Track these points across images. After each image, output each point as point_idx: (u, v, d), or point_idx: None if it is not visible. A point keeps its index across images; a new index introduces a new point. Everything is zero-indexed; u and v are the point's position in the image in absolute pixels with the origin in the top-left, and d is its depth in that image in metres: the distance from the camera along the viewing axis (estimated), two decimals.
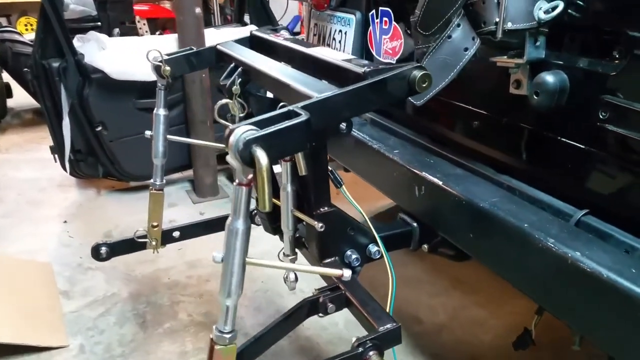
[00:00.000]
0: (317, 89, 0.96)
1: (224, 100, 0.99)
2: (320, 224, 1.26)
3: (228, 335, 0.96)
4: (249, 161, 0.82)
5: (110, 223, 2.75)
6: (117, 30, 3.19)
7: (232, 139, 0.82)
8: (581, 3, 1.12)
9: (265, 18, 3.08)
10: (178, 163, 3.06)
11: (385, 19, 1.79)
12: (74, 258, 2.43)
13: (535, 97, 1.19)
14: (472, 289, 2.13)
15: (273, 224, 1.51)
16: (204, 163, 2.96)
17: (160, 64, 1.42)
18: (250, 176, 0.87)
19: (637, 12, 1.03)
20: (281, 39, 1.34)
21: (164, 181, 1.61)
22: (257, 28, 3.05)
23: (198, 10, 2.64)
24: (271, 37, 1.38)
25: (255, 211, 1.79)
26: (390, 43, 1.79)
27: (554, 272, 1.05)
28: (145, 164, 2.92)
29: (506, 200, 1.24)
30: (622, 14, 1.07)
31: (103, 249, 1.58)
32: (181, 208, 2.95)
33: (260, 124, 0.84)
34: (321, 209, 1.31)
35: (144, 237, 1.62)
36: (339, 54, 1.17)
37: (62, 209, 2.93)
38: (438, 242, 1.53)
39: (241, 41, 1.49)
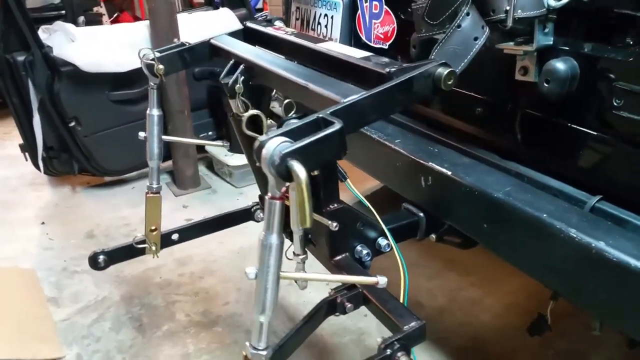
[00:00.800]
0: (340, 92, 0.92)
1: (253, 111, 0.93)
2: (335, 223, 1.24)
3: (264, 352, 0.93)
4: (286, 175, 0.78)
5: (90, 222, 2.66)
6: (82, 18, 3.02)
7: (265, 152, 0.78)
8: None
9: (238, 0, 2.97)
10: None
11: (375, 2, 1.75)
12: (58, 262, 2.34)
13: (546, 85, 1.19)
14: (466, 270, 2.15)
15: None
16: (183, 154, 2.87)
17: (153, 62, 1.34)
18: (284, 189, 0.83)
19: None
20: (284, 32, 1.28)
21: (161, 184, 1.54)
22: (230, 11, 2.96)
23: None
24: (271, 30, 1.32)
25: (254, 208, 1.75)
26: (381, 28, 1.75)
27: (577, 261, 1.06)
28: (122, 157, 2.85)
29: (520, 189, 1.23)
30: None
31: (101, 258, 1.52)
32: (163, 202, 2.85)
33: (291, 135, 0.80)
34: (331, 206, 1.28)
35: (143, 242, 1.55)
36: (352, 50, 1.12)
37: (38, 210, 2.81)
38: (444, 230, 1.53)
39: (235, 34, 1.42)
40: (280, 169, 0.77)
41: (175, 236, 1.61)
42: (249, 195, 2.91)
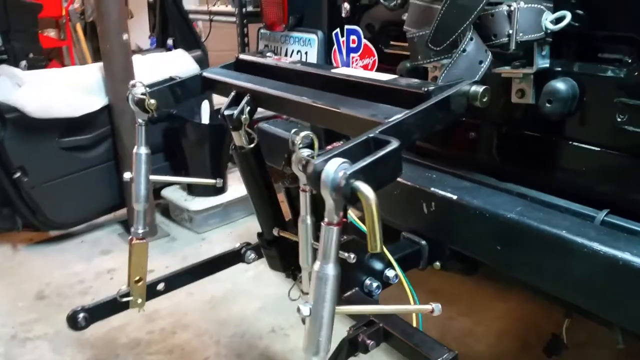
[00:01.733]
0: (377, 113, 0.89)
1: (305, 132, 0.86)
2: (352, 255, 1.18)
3: None
4: (351, 197, 0.72)
5: (39, 281, 2.41)
6: (24, 62, 2.83)
7: (325, 174, 0.73)
8: (582, 12, 1.17)
9: (192, 41, 2.92)
10: (108, 204, 2.78)
11: (353, 37, 1.76)
12: (5, 329, 2.09)
13: (548, 105, 1.22)
14: (451, 299, 2.14)
15: (283, 260, 1.40)
16: None
17: (144, 97, 1.26)
18: (341, 214, 0.78)
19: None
20: (287, 62, 1.25)
21: (147, 228, 1.42)
22: (185, 51, 2.90)
23: (125, 36, 2.42)
24: (271, 60, 1.28)
25: (244, 249, 1.65)
26: (361, 61, 1.75)
27: (603, 274, 1.06)
28: (72, 209, 2.64)
29: (530, 208, 1.24)
30: (627, 21, 1.13)
31: (81, 316, 1.35)
32: (118, 254, 2.66)
33: (347, 155, 0.75)
34: (343, 237, 1.23)
35: (127, 295, 1.41)
36: (371, 73, 1.10)
37: None
38: (447, 257, 1.51)
39: (227, 67, 1.36)
40: (346, 190, 0.72)
41: (161, 286, 1.48)
42: (213, 240, 2.79)
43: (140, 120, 1.33)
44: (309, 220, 1.15)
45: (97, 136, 2.59)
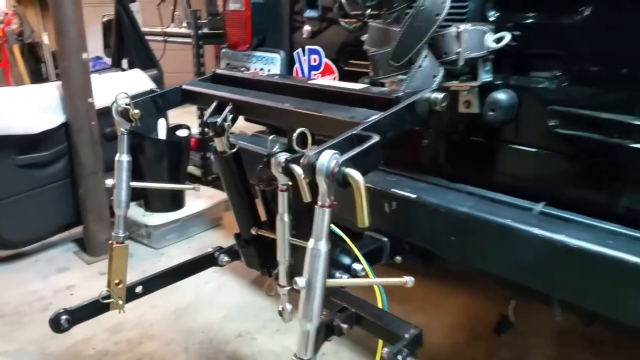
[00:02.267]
0: (355, 115, 1.03)
1: (301, 129, 0.96)
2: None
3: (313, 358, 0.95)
4: (342, 181, 0.86)
5: None
6: None
7: (320, 163, 0.86)
8: (519, 33, 1.38)
9: (148, 61, 2.98)
10: (63, 221, 2.76)
11: (314, 56, 1.91)
12: None
13: (491, 114, 1.41)
14: (405, 299, 2.27)
15: (260, 258, 1.50)
16: (96, 217, 2.72)
17: (128, 107, 1.34)
18: (332, 198, 0.90)
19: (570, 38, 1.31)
20: (265, 74, 1.37)
21: (127, 233, 1.48)
22: (141, 71, 2.96)
23: (85, 55, 2.47)
24: (248, 74, 1.41)
25: (217, 252, 1.73)
26: (322, 78, 1.91)
27: (544, 254, 1.24)
28: (28, 226, 2.62)
29: (479, 203, 1.42)
30: (556, 41, 1.34)
31: (64, 318, 1.39)
32: (75, 271, 2.65)
33: (336, 149, 0.89)
34: None
35: (109, 297, 1.46)
36: (344, 83, 1.24)
37: None
38: (406, 252, 1.66)
39: (205, 80, 1.47)
40: (338, 176, 0.85)
41: (139, 289, 1.54)
42: (171, 255, 2.82)
43: (122, 130, 1.40)
44: (286, 218, 1.26)
45: (53, 154, 2.59)
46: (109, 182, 1.45)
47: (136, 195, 3.01)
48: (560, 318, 1.35)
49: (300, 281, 0.92)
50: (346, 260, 1.50)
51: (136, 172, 2.90)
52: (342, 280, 1.18)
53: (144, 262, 2.73)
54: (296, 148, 0.98)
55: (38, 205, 2.59)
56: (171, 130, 3.08)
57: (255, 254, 1.48)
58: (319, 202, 0.90)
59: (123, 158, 1.42)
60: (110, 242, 1.48)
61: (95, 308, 1.45)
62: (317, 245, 0.91)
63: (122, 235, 1.47)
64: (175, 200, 2.92)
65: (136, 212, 2.88)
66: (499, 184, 1.49)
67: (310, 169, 0.87)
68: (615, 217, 1.28)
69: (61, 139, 2.60)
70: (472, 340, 2.05)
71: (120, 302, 1.48)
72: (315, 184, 0.91)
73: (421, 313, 2.19)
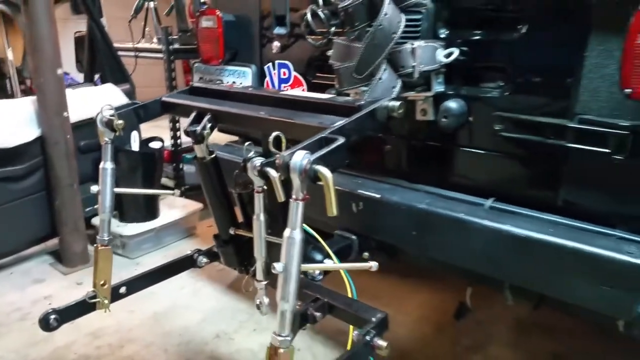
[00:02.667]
0: (323, 121, 1.17)
1: (276, 133, 1.07)
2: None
3: (289, 338, 1.08)
4: (314, 177, 0.99)
5: None
6: None
7: (293, 162, 0.99)
8: (467, 49, 1.55)
9: (121, 75, 3.07)
10: (38, 234, 2.81)
11: (284, 70, 2.05)
12: None
13: (444, 120, 1.57)
14: (373, 295, 2.39)
15: (238, 256, 1.62)
16: (72, 229, 2.77)
17: (112, 118, 1.45)
18: (305, 192, 1.04)
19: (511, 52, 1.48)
20: (240, 86, 1.50)
21: (112, 236, 1.58)
22: (114, 86, 3.04)
23: (60, 71, 2.55)
24: (224, 86, 1.53)
25: (196, 254, 1.84)
26: (292, 90, 2.05)
27: (493, 242, 1.41)
28: (5, 238, 2.66)
29: (435, 200, 1.57)
30: (499, 55, 1.52)
31: (52, 318, 1.47)
32: (52, 282, 2.70)
33: (308, 149, 1.02)
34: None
35: (95, 297, 1.55)
36: (314, 94, 1.38)
37: None
38: (372, 248, 1.80)
39: (183, 92, 1.59)
40: (310, 172, 0.99)
41: (123, 289, 1.63)
42: (147, 264, 2.88)
43: (106, 139, 1.51)
44: (262, 217, 1.38)
45: (29, 167, 2.64)
46: (94, 188, 1.55)
47: None
48: (511, 302, 1.50)
49: (278, 266, 1.04)
50: (318, 256, 1.64)
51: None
52: (314, 265, 1.31)
53: (120, 272, 2.74)
54: (272, 150, 1.11)
55: (14, 218, 2.63)
56: (144, 142, 3.16)
57: (234, 252, 1.59)
58: (293, 196, 1.03)
59: (107, 165, 1.52)
60: (95, 245, 1.56)
61: (82, 308, 1.54)
62: (292, 234, 1.04)
63: (107, 238, 1.56)
64: (149, 210, 3.00)
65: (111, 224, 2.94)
66: (454, 184, 1.65)
67: (285, 168, 1.00)
68: (556, 210, 1.45)
69: (36, 152, 2.65)
70: (437, 332, 2.21)
71: (106, 301, 1.56)
72: (289, 182, 1.04)
73: (387, 308, 2.30)
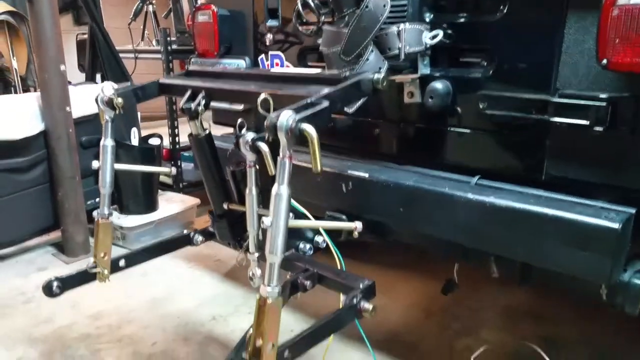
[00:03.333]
0: (309, 91, 1.24)
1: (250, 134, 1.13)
2: (292, 214, 1.48)
3: (277, 289, 1.13)
4: (300, 136, 1.06)
5: None
6: None
7: (280, 122, 1.06)
8: (451, 31, 1.62)
9: (121, 74, 3.17)
10: (42, 225, 2.88)
11: (276, 60, 2.13)
12: None
13: (431, 101, 1.63)
14: None
15: (232, 230, 1.67)
16: (74, 220, 2.84)
17: (112, 97, 1.52)
18: (292, 150, 1.10)
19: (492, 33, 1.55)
20: (233, 67, 1.58)
21: (112, 210, 1.64)
22: (114, 83, 3.12)
23: (63, 67, 2.63)
24: (219, 68, 1.61)
25: (192, 233, 1.89)
26: (282, 68, 2.11)
27: (477, 215, 1.46)
28: (7, 229, 2.73)
29: (422, 178, 1.63)
30: (482, 36, 1.59)
31: (55, 284, 1.52)
32: (54, 270, 2.73)
33: (294, 110, 1.09)
34: None
35: (95, 267, 1.61)
36: (302, 69, 1.45)
37: None
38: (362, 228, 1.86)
39: (179, 75, 1.67)
40: (295, 130, 1.05)
41: (122, 262, 1.68)
42: None
43: (107, 117, 1.57)
44: (254, 191, 1.44)
45: (33, 159, 2.72)
46: (95, 164, 1.61)
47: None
48: (496, 275, 1.55)
49: (267, 220, 1.10)
50: (309, 234, 1.70)
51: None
52: (300, 221, 1.36)
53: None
54: (260, 111, 1.17)
55: (18, 208, 2.70)
56: (144, 139, 3.24)
57: (227, 227, 1.65)
58: (280, 155, 1.10)
59: (107, 142, 1.59)
60: (96, 219, 1.62)
61: (83, 277, 1.59)
62: (280, 190, 1.10)
63: (107, 212, 1.62)
64: (148, 203, 3.07)
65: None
66: (441, 164, 1.71)
67: (272, 127, 1.07)
68: (541, 185, 1.50)
69: (40, 145, 2.73)
70: (427, 317, 2.25)
71: (106, 272, 1.62)
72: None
73: (379, 296, 2.36)
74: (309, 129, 1.05)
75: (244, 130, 1.42)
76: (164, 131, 3.58)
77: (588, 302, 2.27)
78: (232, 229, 1.66)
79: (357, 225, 1.25)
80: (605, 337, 2.09)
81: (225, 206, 1.62)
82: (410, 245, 1.93)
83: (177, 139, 3.66)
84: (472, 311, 2.29)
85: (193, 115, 1.49)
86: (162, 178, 3.68)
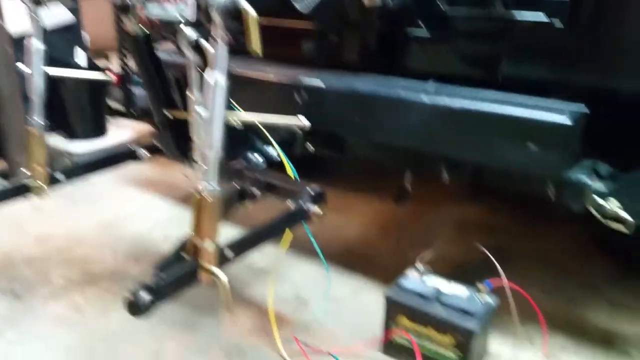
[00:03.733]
0: None
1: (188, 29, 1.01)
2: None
3: (215, 185, 1.07)
4: (236, 14, 0.97)
5: None
6: None
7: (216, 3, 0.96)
8: None
9: None
10: None
11: None
12: None
13: (391, 2, 1.54)
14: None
15: (177, 141, 1.59)
16: (17, 144, 2.68)
17: None
18: (228, 33, 1.01)
19: None
20: None
21: (46, 122, 1.52)
22: None
23: None
24: None
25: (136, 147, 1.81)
26: None
27: (431, 116, 1.42)
28: None
29: (379, 84, 1.57)
30: None
31: None
32: None
33: None
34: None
35: (30, 179, 1.51)
36: None
37: None
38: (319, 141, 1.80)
39: None
40: (232, 9, 0.96)
41: (60, 176, 1.59)
42: (96, 183, 2.79)
43: (32, 14, 1.43)
44: (197, 94, 1.35)
45: None
46: (23, 67, 1.48)
47: (57, 125, 2.98)
48: (447, 180, 1.53)
49: (202, 111, 1.02)
50: (261, 144, 1.64)
51: (57, 101, 2.91)
52: (238, 112, 1.28)
53: (74, 192, 2.73)
54: None
55: None
56: (91, 61, 3.06)
57: (171, 137, 1.56)
58: (214, 36, 1.01)
59: (34, 42, 1.45)
60: (27, 127, 1.51)
61: (18, 190, 1.50)
62: (215, 77, 1.02)
63: (39, 121, 1.51)
64: (97, 127, 2.93)
65: (59, 141, 2.87)
66: (401, 70, 1.64)
67: (205, 6, 0.97)
68: (496, 86, 1.45)
69: None
70: (382, 233, 2.26)
71: (41, 185, 1.53)
72: None
73: (338, 213, 2.37)
74: (247, 7, 0.96)
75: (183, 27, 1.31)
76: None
77: (540, 215, 2.32)
78: (177, 140, 1.57)
79: (301, 118, 1.18)
80: (557, 250, 2.14)
81: (168, 114, 1.53)
82: (367, 159, 1.90)
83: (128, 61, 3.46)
84: (427, 226, 2.31)
85: (123, 7, 1.35)
86: (115, 106, 3.52)
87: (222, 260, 1.13)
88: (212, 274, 1.07)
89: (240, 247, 1.18)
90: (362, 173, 2.85)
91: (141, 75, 1.52)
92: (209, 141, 1.04)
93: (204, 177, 1.08)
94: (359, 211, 2.44)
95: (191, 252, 1.11)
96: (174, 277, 1.06)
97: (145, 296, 0.99)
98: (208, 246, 1.07)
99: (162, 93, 1.52)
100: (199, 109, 1.03)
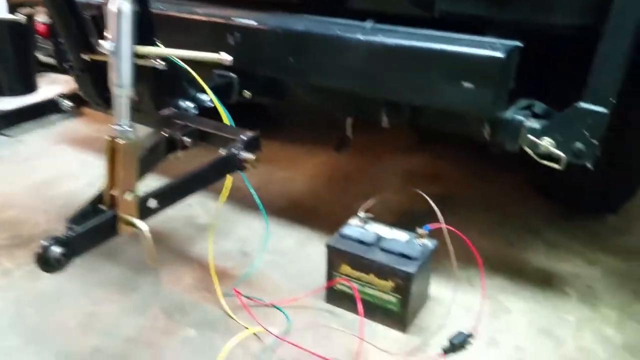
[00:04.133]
0: None
1: None
2: (163, 63, 1.30)
3: (131, 129, 0.99)
4: None
5: None
6: None
7: None
8: None
9: None
10: None
11: None
12: None
13: None
14: (271, 159, 2.36)
15: (96, 87, 1.47)
16: None
17: None
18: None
19: None
20: None
21: None
22: None
23: None
24: None
25: (59, 98, 1.68)
26: None
27: (367, 57, 1.36)
28: None
29: (314, 24, 1.49)
30: None
31: None
32: None
33: None
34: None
35: None
36: None
37: None
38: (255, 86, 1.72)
39: None
40: None
41: None
42: (29, 142, 2.64)
43: None
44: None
45: None
46: None
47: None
48: (387, 124, 1.49)
49: (107, 44, 0.93)
50: (192, 91, 1.54)
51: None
52: (150, 48, 1.18)
53: (2, 151, 2.57)
54: None
55: None
56: (12, 9, 2.81)
57: (91, 82, 1.45)
58: None
59: None
60: None
61: None
62: (120, 5, 0.92)
63: None
64: (25, 83, 2.73)
65: None
66: (338, 10, 1.55)
67: None
68: (433, 25, 1.40)
69: None
70: (329, 185, 2.23)
71: None
72: None
73: (284, 170, 2.33)
74: None
75: None
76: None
77: (484, 162, 2.34)
78: (96, 86, 1.46)
79: (223, 54, 1.10)
80: (499, 195, 2.16)
81: (85, 57, 1.41)
82: (306, 104, 1.83)
83: None
84: (372, 177, 2.29)
85: None
86: (45, 59, 3.29)
87: (145, 210, 1.06)
88: (132, 224, 1.00)
89: (166, 196, 1.11)
90: (308, 126, 2.79)
91: (54, 17, 1.38)
92: (117, 78, 0.94)
93: (116, 115, 0.99)
94: (307, 165, 2.40)
95: (108, 203, 1.03)
96: (87, 229, 0.98)
97: (56, 249, 0.92)
98: (125, 197, 1.00)
99: (78, 35, 1.40)
100: (103, 42, 0.93)
